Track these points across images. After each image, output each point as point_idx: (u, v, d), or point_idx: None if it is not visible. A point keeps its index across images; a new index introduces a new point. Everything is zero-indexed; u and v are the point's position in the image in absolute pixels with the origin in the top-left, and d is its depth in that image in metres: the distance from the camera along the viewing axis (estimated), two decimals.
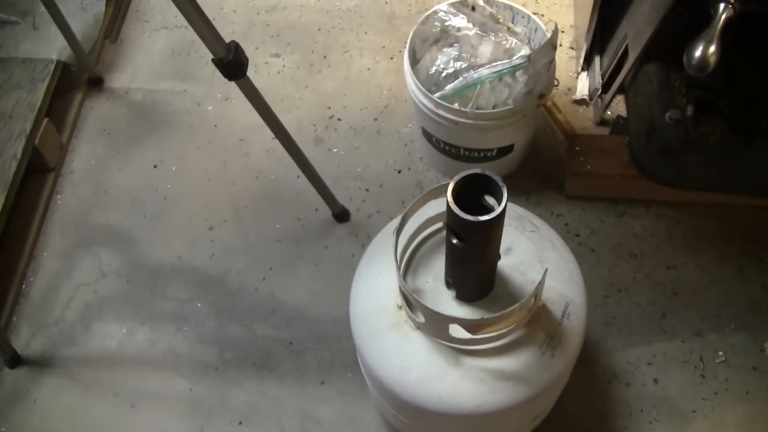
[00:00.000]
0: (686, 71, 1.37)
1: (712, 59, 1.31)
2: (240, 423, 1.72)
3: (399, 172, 2.06)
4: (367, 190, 2.03)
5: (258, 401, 1.75)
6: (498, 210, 1.03)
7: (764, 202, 1.93)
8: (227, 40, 1.40)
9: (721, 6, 1.35)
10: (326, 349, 1.81)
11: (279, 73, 2.25)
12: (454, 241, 1.10)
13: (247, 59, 1.44)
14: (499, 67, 1.77)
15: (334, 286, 1.89)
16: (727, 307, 1.83)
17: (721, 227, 1.94)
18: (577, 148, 1.95)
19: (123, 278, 1.93)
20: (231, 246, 1.96)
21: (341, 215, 1.96)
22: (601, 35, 2.10)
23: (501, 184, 1.04)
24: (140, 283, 1.92)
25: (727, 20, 1.34)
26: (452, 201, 1.04)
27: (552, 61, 1.75)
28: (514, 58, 1.79)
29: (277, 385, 1.77)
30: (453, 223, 1.08)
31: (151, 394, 1.78)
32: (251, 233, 1.97)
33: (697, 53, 1.32)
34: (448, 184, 1.05)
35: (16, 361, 1.82)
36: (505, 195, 1.04)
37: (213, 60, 1.40)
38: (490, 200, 1.09)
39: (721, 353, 1.77)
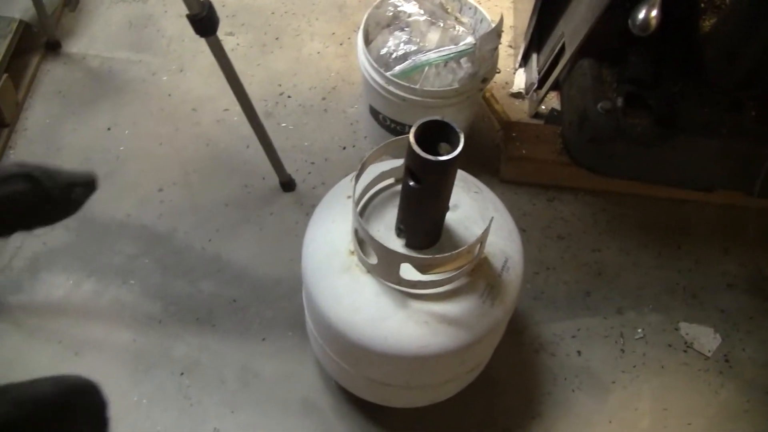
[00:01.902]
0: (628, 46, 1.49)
1: (654, 21, 1.45)
2: (182, 374, 1.77)
3: (344, 148, 2.14)
4: (312, 163, 2.10)
5: (199, 354, 1.80)
6: (456, 151, 1.12)
7: (682, 195, 2.08)
8: None
9: None
10: (268, 308, 1.86)
11: (233, 50, 2.32)
12: (412, 183, 1.19)
13: (218, 18, 1.52)
14: (446, 52, 1.87)
15: (277, 249, 1.95)
16: (646, 288, 1.96)
17: (643, 216, 2.07)
18: (514, 134, 2.07)
19: (72, 232, 1.96)
20: (179, 207, 2.01)
21: (288, 184, 2.03)
22: (538, 35, 2.22)
23: (458, 130, 1.14)
24: (89, 237, 1.95)
25: None
26: (414, 142, 1.13)
27: (496, 48, 1.86)
28: (460, 44, 1.89)
29: (219, 340, 1.82)
30: (413, 164, 1.16)
31: (95, 343, 1.80)
32: (199, 196, 2.03)
33: (641, 15, 1.46)
34: (407, 135, 1.14)
35: None
36: (462, 140, 1.13)
37: (187, 15, 1.48)
38: (443, 150, 1.18)
39: (639, 330, 1.89)
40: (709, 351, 1.89)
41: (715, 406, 1.82)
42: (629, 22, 1.49)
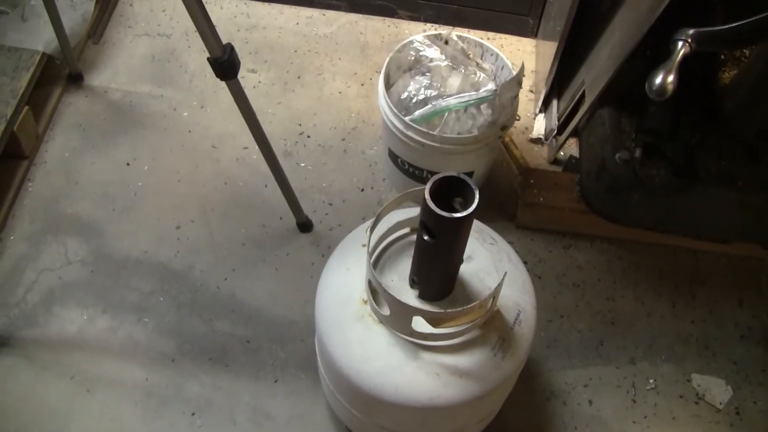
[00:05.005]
0: (640, 111, 1.49)
1: (670, 87, 1.44)
2: (193, 414, 1.78)
3: (362, 190, 2.15)
4: (330, 204, 2.12)
5: (212, 394, 1.81)
6: (471, 208, 1.12)
7: (697, 245, 2.08)
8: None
9: (680, 44, 1.49)
10: (282, 350, 1.87)
11: (254, 87, 2.34)
12: (426, 237, 1.19)
13: (239, 62, 1.52)
14: (466, 98, 1.88)
15: (293, 290, 1.96)
16: (660, 338, 1.95)
17: (658, 265, 2.07)
18: (532, 181, 2.07)
19: (88, 267, 1.97)
20: (196, 245, 2.02)
21: (305, 225, 2.04)
22: (559, 81, 2.23)
23: (473, 186, 1.14)
24: (104, 273, 1.96)
25: (684, 56, 1.48)
26: (429, 198, 1.13)
27: (516, 96, 1.87)
28: (481, 91, 1.90)
29: (232, 380, 1.82)
30: (427, 219, 1.17)
31: (107, 380, 1.81)
32: (216, 234, 2.04)
33: (658, 80, 1.45)
34: (423, 188, 1.14)
35: None
36: (477, 196, 1.13)
37: (208, 59, 1.48)
38: (458, 205, 1.18)
39: (651, 381, 1.89)
40: (721, 403, 1.88)
41: None
42: (646, 86, 1.49)
